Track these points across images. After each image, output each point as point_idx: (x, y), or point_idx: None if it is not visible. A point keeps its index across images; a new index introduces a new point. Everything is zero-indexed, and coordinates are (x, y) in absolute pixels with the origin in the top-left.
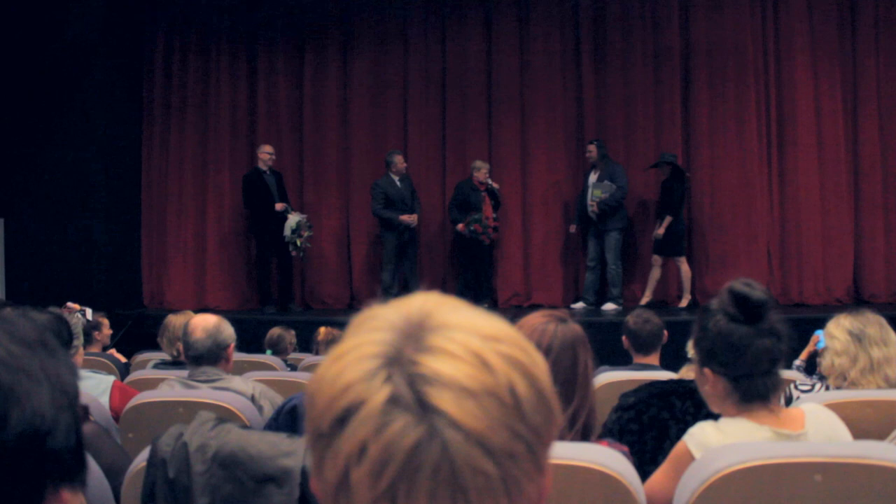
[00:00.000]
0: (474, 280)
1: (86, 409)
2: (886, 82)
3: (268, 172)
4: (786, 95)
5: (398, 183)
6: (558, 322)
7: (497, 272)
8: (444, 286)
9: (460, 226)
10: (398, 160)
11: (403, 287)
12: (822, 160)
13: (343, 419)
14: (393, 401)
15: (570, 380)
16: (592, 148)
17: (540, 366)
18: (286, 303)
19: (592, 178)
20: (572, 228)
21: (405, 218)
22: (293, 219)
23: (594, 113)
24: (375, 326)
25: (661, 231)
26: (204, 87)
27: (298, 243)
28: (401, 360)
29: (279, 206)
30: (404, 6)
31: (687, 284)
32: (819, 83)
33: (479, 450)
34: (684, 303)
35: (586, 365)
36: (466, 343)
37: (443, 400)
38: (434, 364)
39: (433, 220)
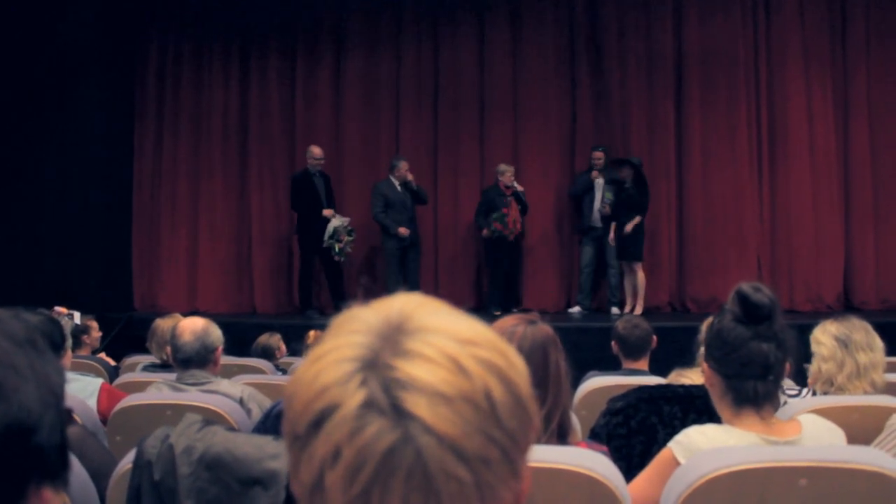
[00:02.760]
0: (504, 287)
1: (69, 411)
2: (877, 91)
3: (317, 175)
4: (777, 103)
5: (398, 187)
6: (527, 324)
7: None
8: (438, 293)
9: (484, 231)
10: (402, 166)
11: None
12: (814, 168)
13: (318, 422)
14: (367, 405)
15: (541, 381)
16: (601, 154)
17: (518, 370)
18: (338, 302)
19: (600, 182)
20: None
21: (402, 231)
22: (332, 224)
23: (587, 118)
24: (354, 329)
25: (627, 228)
26: (196, 92)
27: (337, 248)
28: (377, 363)
29: (327, 213)
30: (396, 11)
31: (641, 292)
32: (811, 91)
33: (452, 455)
34: (639, 310)
35: (557, 365)
36: (443, 347)
37: (417, 405)
38: (409, 369)
39: (427, 226)
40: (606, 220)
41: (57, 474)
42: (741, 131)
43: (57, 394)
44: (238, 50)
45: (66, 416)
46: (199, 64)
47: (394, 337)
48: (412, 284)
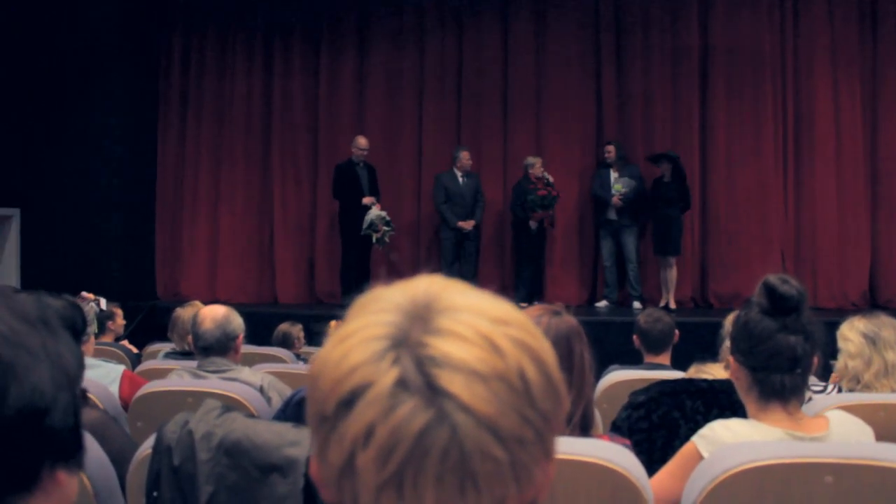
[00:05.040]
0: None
1: (84, 392)
2: None
3: (360, 165)
4: (803, 98)
5: (460, 179)
6: (552, 315)
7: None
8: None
9: (532, 223)
10: (463, 156)
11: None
12: (839, 164)
13: (349, 402)
14: (401, 383)
15: (565, 372)
16: (611, 148)
17: (548, 351)
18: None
19: (613, 175)
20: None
21: (462, 224)
22: (369, 216)
23: (611, 112)
24: (380, 308)
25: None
26: (219, 82)
27: (375, 238)
28: (408, 342)
29: (366, 200)
30: (420, 3)
31: (673, 286)
32: (838, 87)
33: (489, 435)
34: (672, 304)
35: (582, 357)
36: (476, 326)
37: (453, 383)
38: (443, 346)
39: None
40: (621, 212)
41: (71, 456)
42: (767, 127)
43: (70, 374)
44: (262, 40)
45: (80, 396)
46: (223, 54)
47: (423, 315)
48: (468, 276)
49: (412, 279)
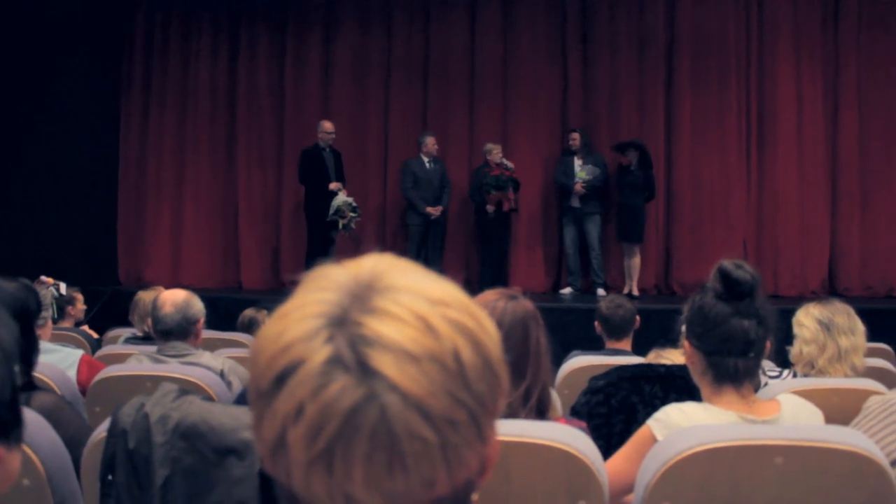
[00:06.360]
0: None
1: (28, 370)
2: (867, 78)
3: (327, 150)
4: (767, 88)
5: (427, 164)
6: (508, 299)
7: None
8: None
9: (489, 207)
10: (429, 141)
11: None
12: (801, 154)
13: (282, 378)
14: (333, 361)
15: (521, 356)
16: (576, 136)
17: (489, 333)
18: None
19: (578, 162)
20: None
21: (430, 210)
22: (336, 201)
23: (577, 99)
24: (323, 286)
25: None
26: (184, 67)
27: (341, 224)
28: (345, 321)
29: (333, 186)
30: None
31: (636, 274)
32: (800, 77)
33: (417, 415)
34: (636, 291)
35: (538, 341)
36: (413, 306)
37: (383, 363)
38: (378, 326)
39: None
40: (584, 199)
41: (9, 430)
42: (730, 116)
43: (7, 350)
44: (227, 23)
45: (20, 373)
46: (187, 37)
47: (363, 295)
48: (434, 261)
49: (360, 258)
